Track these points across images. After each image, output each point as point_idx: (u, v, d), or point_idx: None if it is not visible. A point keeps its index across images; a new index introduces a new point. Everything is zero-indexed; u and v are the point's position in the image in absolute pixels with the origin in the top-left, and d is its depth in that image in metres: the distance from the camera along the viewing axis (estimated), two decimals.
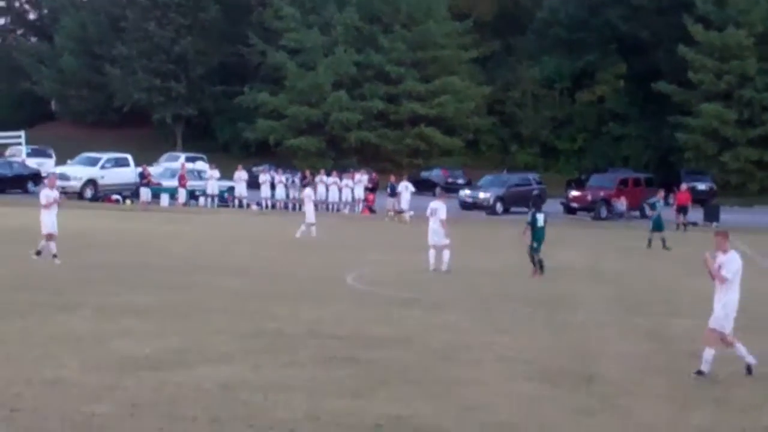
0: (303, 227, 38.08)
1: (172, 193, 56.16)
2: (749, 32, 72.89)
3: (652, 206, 41.96)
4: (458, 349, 16.80)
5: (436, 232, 28.52)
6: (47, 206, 27.14)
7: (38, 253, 27.02)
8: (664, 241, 39.34)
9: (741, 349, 15.34)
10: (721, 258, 15.30)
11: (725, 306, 15.20)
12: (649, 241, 39.88)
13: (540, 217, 28.96)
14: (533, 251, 28.57)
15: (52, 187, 28.19)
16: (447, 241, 28.48)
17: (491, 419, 12.38)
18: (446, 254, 28.33)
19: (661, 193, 44.23)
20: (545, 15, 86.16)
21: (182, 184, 55.89)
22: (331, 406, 12.57)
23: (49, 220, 27.02)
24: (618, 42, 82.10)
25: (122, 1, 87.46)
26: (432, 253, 28.39)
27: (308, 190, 41.97)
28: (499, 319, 20.47)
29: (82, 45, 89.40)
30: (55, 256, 26.57)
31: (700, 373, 15.07)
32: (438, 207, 28.96)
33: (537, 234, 28.63)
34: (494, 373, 15.18)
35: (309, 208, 39.33)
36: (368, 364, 15.30)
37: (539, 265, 28.40)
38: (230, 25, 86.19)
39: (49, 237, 26.93)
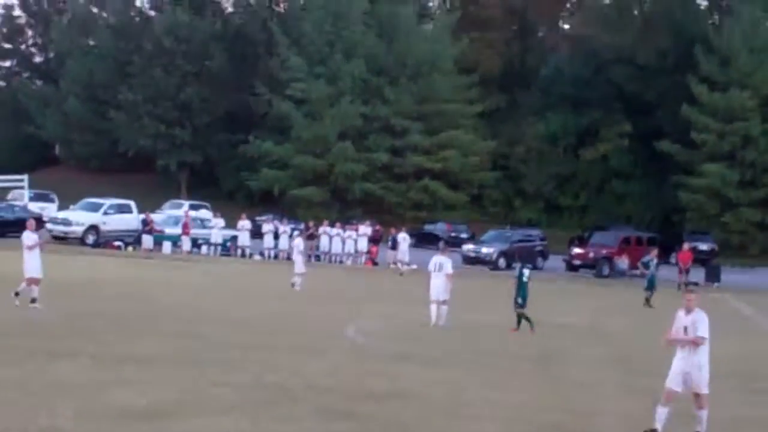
0: (297, 279, 37.70)
1: (175, 241, 56.02)
2: (753, 94, 73.16)
3: (645, 265, 42.10)
4: (457, 404, 16.73)
5: (438, 287, 28.47)
6: (30, 249, 26.85)
7: (17, 294, 26.60)
8: (648, 300, 39.59)
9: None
10: (688, 318, 15.00)
11: (706, 365, 15.00)
12: (646, 300, 39.88)
13: (526, 272, 28.95)
14: (518, 306, 28.48)
15: (31, 229, 27.74)
16: (447, 297, 28.46)
17: None
18: (444, 309, 28.31)
19: (655, 252, 44.36)
20: (550, 72, 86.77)
21: (185, 232, 55.62)
22: None
23: (32, 265, 26.67)
24: (622, 100, 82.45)
25: (129, 47, 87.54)
26: (434, 307, 28.33)
27: (298, 240, 40.73)
28: (498, 374, 20.42)
29: (87, 89, 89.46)
30: (34, 300, 26.21)
31: None
32: (443, 262, 28.92)
33: (522, 289, 28.57)
34: (493, 430, 15.09)
35: (298, 259, 38.66)
36: (367, 418, 15.20)
37: (526, 320, 28.23)
38: (237, 73, 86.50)
39: (33, 281, 26.58)
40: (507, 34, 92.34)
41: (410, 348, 23.54)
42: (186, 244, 55.57)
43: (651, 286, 40.30)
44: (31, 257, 26.83)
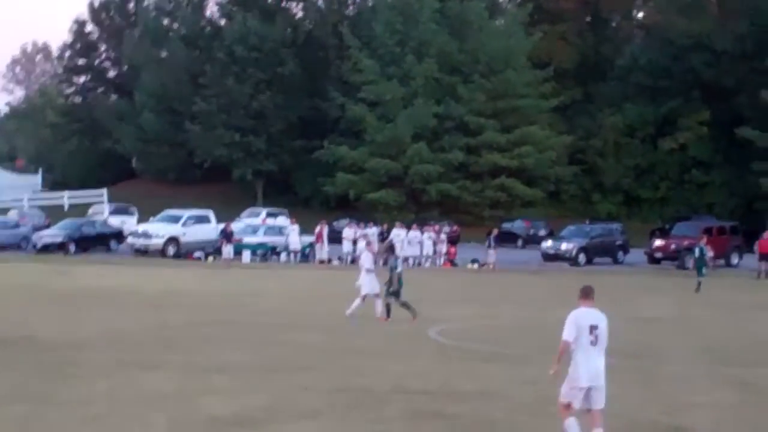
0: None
1: (254, 250, 56.17)
2: None
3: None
4: (545, 403, 16.47)
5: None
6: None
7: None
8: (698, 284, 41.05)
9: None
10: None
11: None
12: (698, 284, 41.11)
13: (396, 262, 29.16)
14: (391, 296, 28.43)
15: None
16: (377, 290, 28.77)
17: None
18: (378, 302, 28.73)
19: (704, 239, 45.05)
20: (626, 62, 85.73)
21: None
22: None
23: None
24: (700, 88, 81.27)
25: (201, 57, 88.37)
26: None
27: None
28: None
29: (161, 102, 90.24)
30: None
31: None
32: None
33: (394, 280, 28.48)
34: (583, 427, 14.88)
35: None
36: (455, 418, 15.12)
37: (406, 308, 28.19)
38: (309, 79, 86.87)
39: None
40: (580, 26, 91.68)
41: (495, 348, 23.37)
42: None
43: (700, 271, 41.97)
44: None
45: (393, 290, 28.31)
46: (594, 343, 13.01)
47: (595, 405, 13.13)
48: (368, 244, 32.04)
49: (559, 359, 13.10)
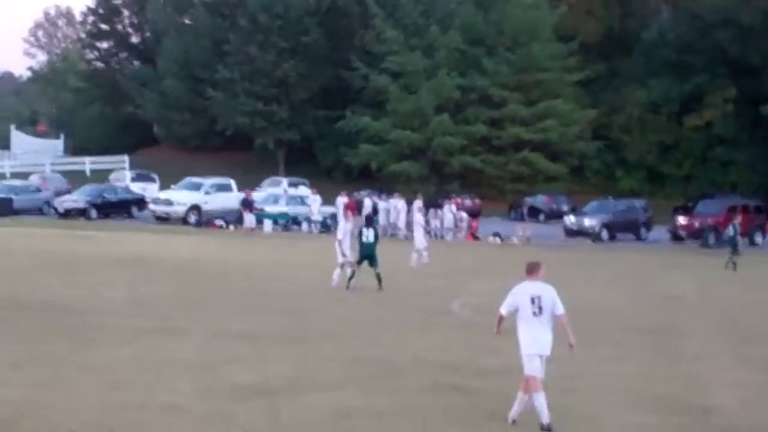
0: (414, 254, 38.06)
1: (275, 219, 56.19)
2: None
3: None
4: (566, 378, 16.43)
5: None
6: None
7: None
8: (734, 263, 40.93)
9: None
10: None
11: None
12: (734, 264, 40.82)
13: (365, 231, 29.21)
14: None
15: None
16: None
17: None
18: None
19: (739, 217, 46.02)
20: (653, 36, 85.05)
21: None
22: None
23: None
24: (727, 65, 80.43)
25: (225, 25, 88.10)
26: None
27: (418, 216, 41.92)
28: (606, 348, 20.04)
29: (184, 69, 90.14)
30: None
31: None
32: None
33: (365, 249, 28.75)
34: (606, 403, 14.85)
35: (418, 234, 39.30)
36: (476, 392, 15.15)
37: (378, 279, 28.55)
38: (332, 48, 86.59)
39: None
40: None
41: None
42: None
43: (735, 250, 41.87)
44: None
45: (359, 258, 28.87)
46: (537, 313, 13.19)
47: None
48: (345, 213, 32.49)
49: (497, 326, 13.76)
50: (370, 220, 30.68)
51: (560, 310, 13.29)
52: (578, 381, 16.34)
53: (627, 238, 58.36)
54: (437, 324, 22.38)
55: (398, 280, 31.71)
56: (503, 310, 13.52)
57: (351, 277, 28.55)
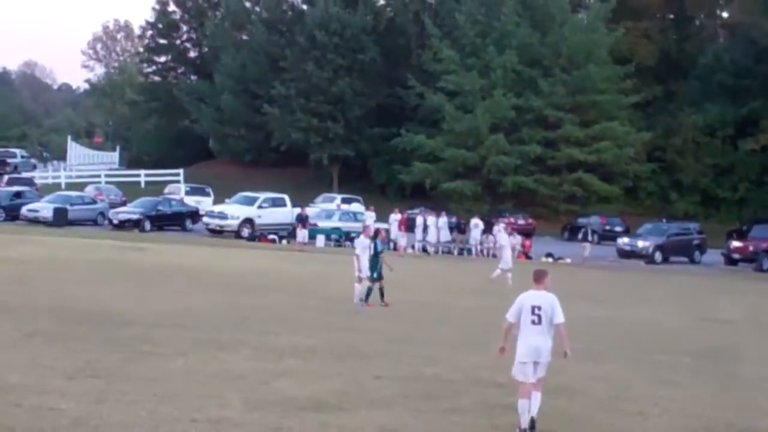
0: (498, 270, 38.72)
1: (328, 235, 56.40)
2: None
3: None
4: (621, 400, 16.35)
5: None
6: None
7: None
8: None
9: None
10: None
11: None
12: None
13: (379, 245, 29.20)
14: (374, 280, 28.51)
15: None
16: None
17: None
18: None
19: None
20: (709, 60, 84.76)
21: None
22: None
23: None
24: None
25: (282, 42, 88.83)
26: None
27: (505, 236, 43.26)
28: (661, 370, 19.89)
29: (241, 84, 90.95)
30: None
31: None
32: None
33: (375, 263, 28.54)
34: (660, 426, 14.70)
35: (506, 254, 39.93)
36: None
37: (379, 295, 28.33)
38: (388, 66, 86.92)
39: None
40: (663, 23, 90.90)
41: (571, 343, 23.08)
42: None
43: None
44: None
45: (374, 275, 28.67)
46: (536, 322, 13.48)
47: (536, 376, 13.61)
48: (364, 229, 32.40)
49: (503, 338, 13.86)
50: (376, 234, 30.72)
51: (559, 318, 13.59)
52: (635, 403, 16.20)
53: (680, 260, 57.96)
54: (492, 342, 22.01)
55: (450, 298, 31.68)
56: (510, 317, 13.73)
57: (368, 294, 28.50)
